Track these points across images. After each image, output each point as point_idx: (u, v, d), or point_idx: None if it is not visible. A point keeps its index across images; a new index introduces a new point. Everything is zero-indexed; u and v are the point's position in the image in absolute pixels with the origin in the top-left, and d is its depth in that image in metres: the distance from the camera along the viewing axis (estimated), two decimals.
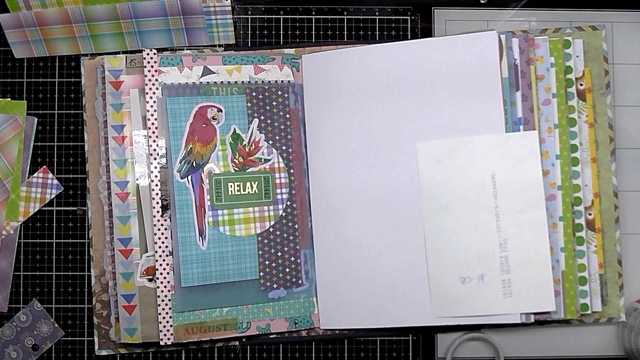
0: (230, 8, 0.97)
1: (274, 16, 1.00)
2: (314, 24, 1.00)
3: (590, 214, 0.95)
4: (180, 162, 0.93)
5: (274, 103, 0.95)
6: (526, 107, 0.93)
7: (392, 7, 1.00)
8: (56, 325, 0.98)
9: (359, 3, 1.00)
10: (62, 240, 0.98)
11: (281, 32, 1.00)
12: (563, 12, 0.99)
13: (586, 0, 0.99)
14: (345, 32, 1.00)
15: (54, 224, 0.98)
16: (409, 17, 1.00)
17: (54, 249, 0.98)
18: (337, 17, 1.00)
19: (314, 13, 1.00)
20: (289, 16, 1.00)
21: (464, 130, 0.92)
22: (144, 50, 0.93)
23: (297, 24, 1.00)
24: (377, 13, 1.00)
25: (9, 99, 0.98)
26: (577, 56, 0.95)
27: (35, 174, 0.98)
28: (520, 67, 0.93)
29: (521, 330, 0.98)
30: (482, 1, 1.00)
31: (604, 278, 0.96)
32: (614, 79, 0.99)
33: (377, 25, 1.00)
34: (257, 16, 1.00)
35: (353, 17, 1.00)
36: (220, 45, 0.99)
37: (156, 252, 0.92)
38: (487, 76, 0.92)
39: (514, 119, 0.92)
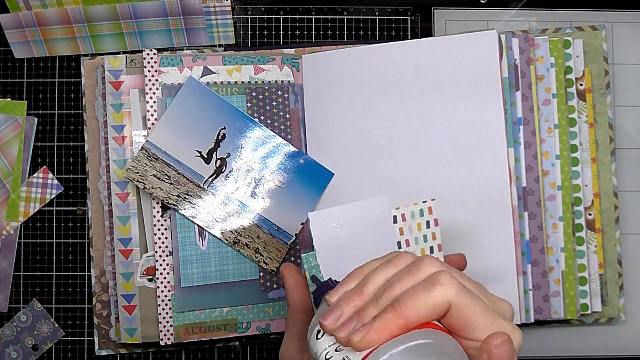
0: (230, 8, 0.97)
1: (274, 16, 1.00)
2: (314, 24, 1.00)
3: (590, 214, 0.95)
4: None
5: (274, 103, 0.95)
6: (526, 107, 0.93)
7: (392, 7, 1.00)
8: (56, 325, 0.98)
9: (358, 3, 1.00)
10: (62, 240, 0.98)
11: (281, 32, 1.00)
12: (563, 12, 0.99)
13: (586, 0, 0.99)
14: (345, 32, 1.00)
15: (54, 224, 0.99)
16: (409, 17, 1.00)
17: (54, 249, 0.98)
18: (337, 17, 1.00)
19: (314, 13, 1.00)
20: (289, 16, 1.00)
21: (464, 130, 0.92)
22: (144, 51, 0.93)
23: (297, 24, 1.00)
24: (377, 13, 1.00)
25: (9, 99, 0.98)
26: (577, 56, 0.95)
27: (35, 174, 0.98)
28: (520, 67, 0.93)
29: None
30: (482, 1, 1.00)
31: (604, 278, 0.96)
32: (614, 78, 0.99)
33: (377, 25, 1.00)
34: (257, 16, 1.00)
35: (353, 17, 1.00)
36: (220, 46, 0.99)
37: (156, 252, 0.92)
38: (487, 76, 0.92)
39: (514, 119, 0.92)
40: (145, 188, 0.90)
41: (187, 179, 0.92)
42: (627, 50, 1.00)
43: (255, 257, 0.93)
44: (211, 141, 0.92)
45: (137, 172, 0.90)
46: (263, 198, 0.94)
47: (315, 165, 0.94)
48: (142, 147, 0.90)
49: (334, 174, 0.94)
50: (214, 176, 0.93)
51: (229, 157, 0.93)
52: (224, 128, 0.93)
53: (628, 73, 0.99)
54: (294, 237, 0.95)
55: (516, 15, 0.99)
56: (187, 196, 0.92)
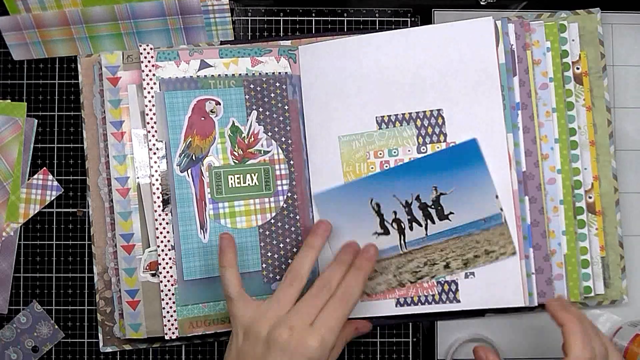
0: (228, 6, 0.97)
1: (273, 18, 1.00)
2: (313, 26, 1.00)
3: (590, 197, 0.95)
4: (179, 156, 0.93)
5: (272, 95, 0.95)
6: (524, 92, 0.93)
7: (392, 8, 1.00)
8: (56, 326, 0.97)
9: (358, 5, 1.00)
10: (62, 242, 0.98)
11: (281, 34, 1.00)
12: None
13: (586, 2, 1.00)
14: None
15: (54, 226, 0.98)
16: (409, 19, 1.00)
17: (54, 250, 0.98)
18: (337, 18, 1.01)
19: (313, 15, 1.01)
20: (289, 18, 1.00)
21: (463, 117, 0.93)
22: (141, 46, 0.94)
23: (297, 26, 1.00)
24: (377, 15, 1.00)
25: (9, 101, 0.98)
26: (573, 40, 0.96)
27: (35, 176, 0.98)
28: (517, 53, 0.94)
29: (521, 331, 0.98)
30: (482, 2, 1.00)
31: (606, 261, 0.96)
32: (613, 79, 0.99)
33: (377, 27, 1.00)
34: (257, 18, 1.00)
35: (353, 18, 1.00)
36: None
37: (158, 246, 0.92)
38: (485, 62, 0.93)
39: (512, 104, 0.93)
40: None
41: (386, 258, 0.94)
42: (627, 51, 1.00)
43: (488, 259, 0.94)
44: (375, 218, 0.95)
45: None
46: (448, 215, 0.94)
47: (456, 148, 0.94)
48: None
49: (475, 138, 0.94)
50: (402, 238, 0.94)
51: (397, 214, 0.94)
52: (372, 199, 0.95)
53: (628, 74, 0.99)
54: (501, 210, 0.94)
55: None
56: (393, 271, 0.95)
